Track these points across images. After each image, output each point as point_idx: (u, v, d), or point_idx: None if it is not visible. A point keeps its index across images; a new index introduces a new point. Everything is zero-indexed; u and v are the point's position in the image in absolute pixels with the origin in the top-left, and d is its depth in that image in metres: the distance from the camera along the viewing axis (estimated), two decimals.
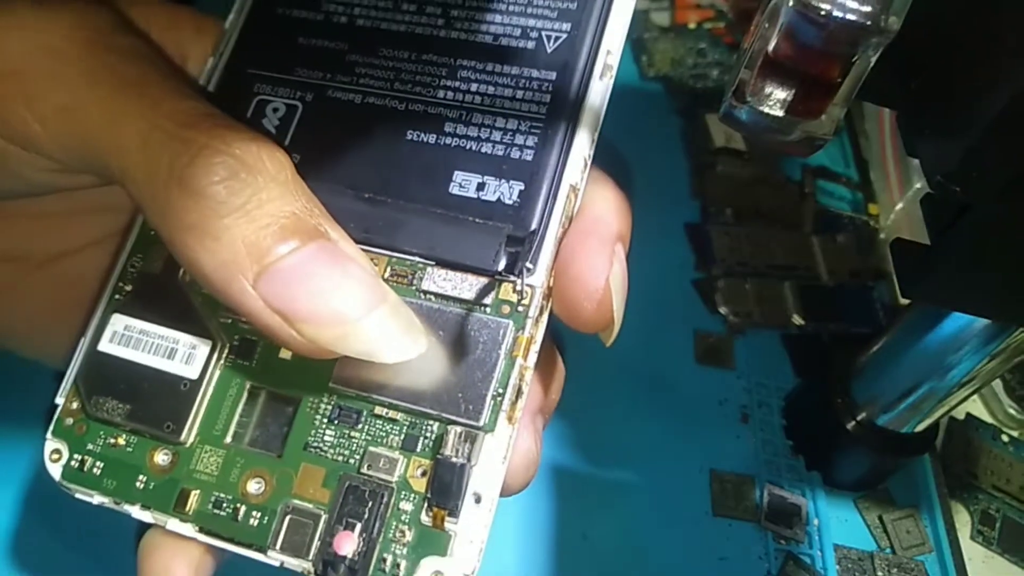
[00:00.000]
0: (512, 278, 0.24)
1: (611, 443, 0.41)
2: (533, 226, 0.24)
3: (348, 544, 0.23)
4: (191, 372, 0.25)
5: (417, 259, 0.25)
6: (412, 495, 0.23)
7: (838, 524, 0.41)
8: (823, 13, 0.20)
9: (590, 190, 0.26)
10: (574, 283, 0.24)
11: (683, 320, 0.47)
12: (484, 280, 0.24)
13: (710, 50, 0.60)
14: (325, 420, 0.24)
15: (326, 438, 0.24)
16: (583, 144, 0.25)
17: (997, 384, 0.48)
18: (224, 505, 0.24)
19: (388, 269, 0.25)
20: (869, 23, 0.20)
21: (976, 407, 0.48)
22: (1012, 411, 0.47)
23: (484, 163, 0.25)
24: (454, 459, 0.23)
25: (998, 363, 0.35)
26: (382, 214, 0.25)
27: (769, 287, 0.49)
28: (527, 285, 0.24)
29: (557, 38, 0.26)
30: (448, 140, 0.26)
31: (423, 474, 0.23)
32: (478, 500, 0.23)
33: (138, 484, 0.25)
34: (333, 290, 0.22)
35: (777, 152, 0.54)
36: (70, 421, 0.26)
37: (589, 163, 0.25)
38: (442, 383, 0.23)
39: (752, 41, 0.22)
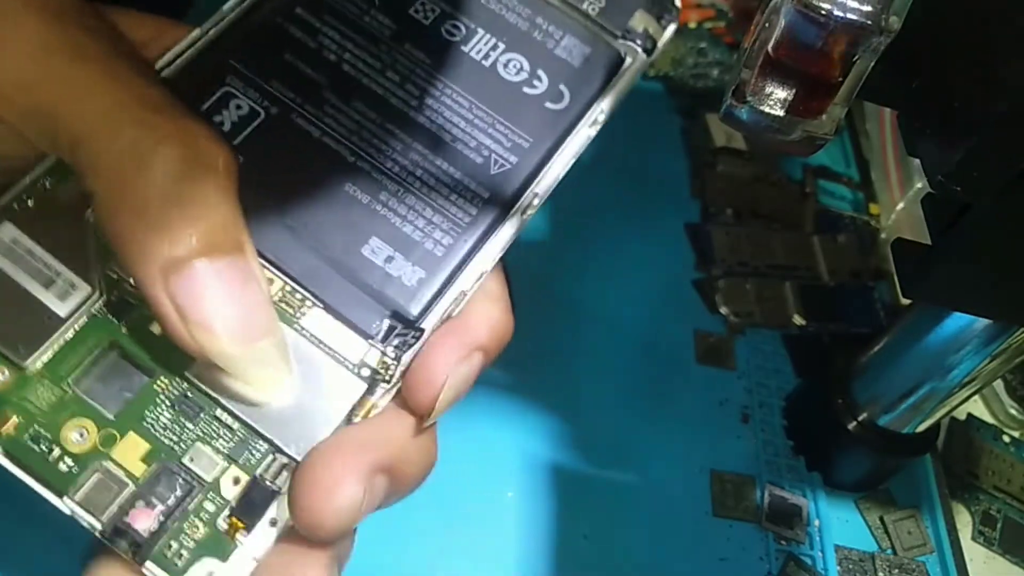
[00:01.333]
0: (382, 348, 0.26)
1: (612, 443, 0.41)
2: (418, 311, 0.26)
3: (144, 521, 0.23)
4: (61, 309, 0.25)
5: (309, 296, 0.26)
6: (218, 499, 0.24)
7: (839, 525, 0.41)
8: (824, 13, 0.20)
9: (485, 305, 0.27)
10: (419, 367, 0.25)
11: (683, 320, 0.47)
12: (359, 339, 0.26)
13: (711, 49, 0.60)
14: (167, 402, 0.25)
15: (162, 419, 0.25)
16: (485, 260, 0.27)
17: (998, 384, 0.48)
18: (41, 442, 0.24)
19: (280, 293, 0.26)
20: (870, 23, 0.20)
21: (977, 407, 0.48)
22: (1013, 411, 0.47)
23: (400, 241, 0.27)
24: (269, 483, 0.24)
25: (999, 363, 0.35)
26: (295, 245, 0.26)
27: (770, 287, 0.49)
28: (392, 360, 0.25)
29: (502, 165, 0.29)
30: (378, 207, 0.27)
31: (235, 483, 0.24)
32: (273, 524, 0.24)
33: None
34: (233, 307, 0.22)
35: (778, 152, 0.54)
36: None
37: (485, 276, 0.27)
38: (286, 413, 0.25)
39: (753, 40, 0.22)
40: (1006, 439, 0.46)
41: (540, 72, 0.30)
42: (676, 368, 0.45)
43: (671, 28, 0.34)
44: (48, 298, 0.25)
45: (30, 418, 0.24)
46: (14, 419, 0.24)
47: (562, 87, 0.30)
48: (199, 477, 0.24)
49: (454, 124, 0.29)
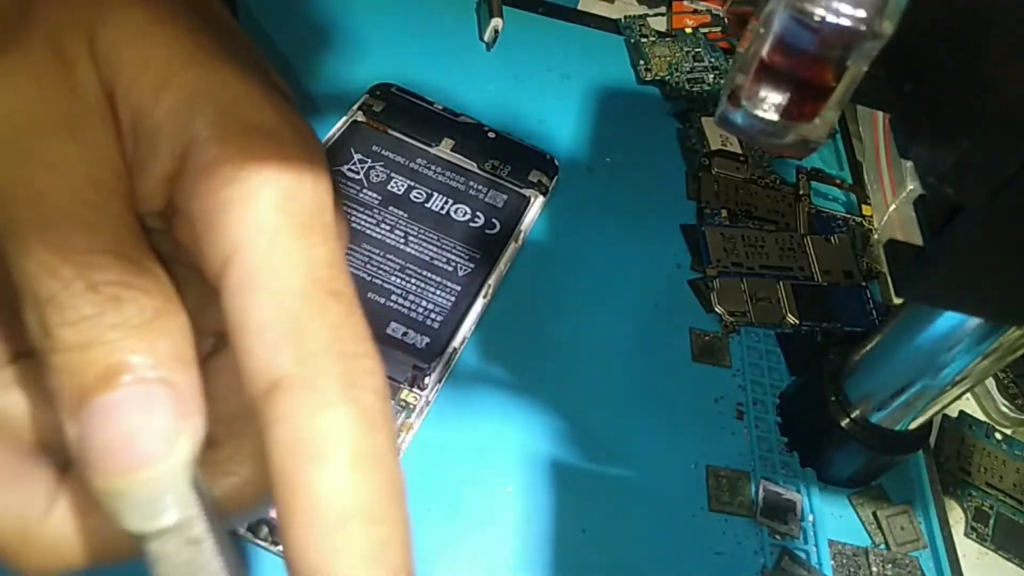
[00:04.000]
0: (410, 389, 0.40)
1: (609, 440, 0.42)
2: (428, 363, 0.41)
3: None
4: None
5: None
6: None
7: (833, 520, 0.42)
8: (817, 18, 0.20)
9: None
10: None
11: (679, 319, 0.48)
12: (396, 384, 0.40)
13: (706, 54, 0.60)
14: None
15: None
16: (466, 327, 0.43)
17: (990, 382, 0.48)
18: None
19: None
20: (863, 28, 0.20)
21: (969, 405, 0.48)
22: (1005, 409, 0.47)
23: (410, 322, 0.42)
24: None
25: (991, 362, 0.35)
26: None
27: (764, 287, 0.49)
28: (419, 394, 0.40)
29: (465, 269, 0.45)
30: (392, 304, 0.43)
31: None
32: None
33: None
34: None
35: (772, 155, 0.54)
36: None
37: (467, 340, 0.44)
38: None
39: (747, 46, 0.22)
40: (998, 436, 0.47)
41: (479, 213, 0.48)
42: (672, 366, 0.46)
43: (556, 178, 0.51)
44: None
45: None
46: None
47: (493, 220, 0.48)
48: None
49: (430, 249, 0.45)
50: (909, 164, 0.51)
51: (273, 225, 0.19)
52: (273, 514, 0.28)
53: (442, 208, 0.47)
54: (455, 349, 0.42)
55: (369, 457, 0.18)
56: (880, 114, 0.55)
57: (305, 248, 0.19)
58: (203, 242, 0.19)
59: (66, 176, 0.18)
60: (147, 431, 0.17)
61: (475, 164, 0.50)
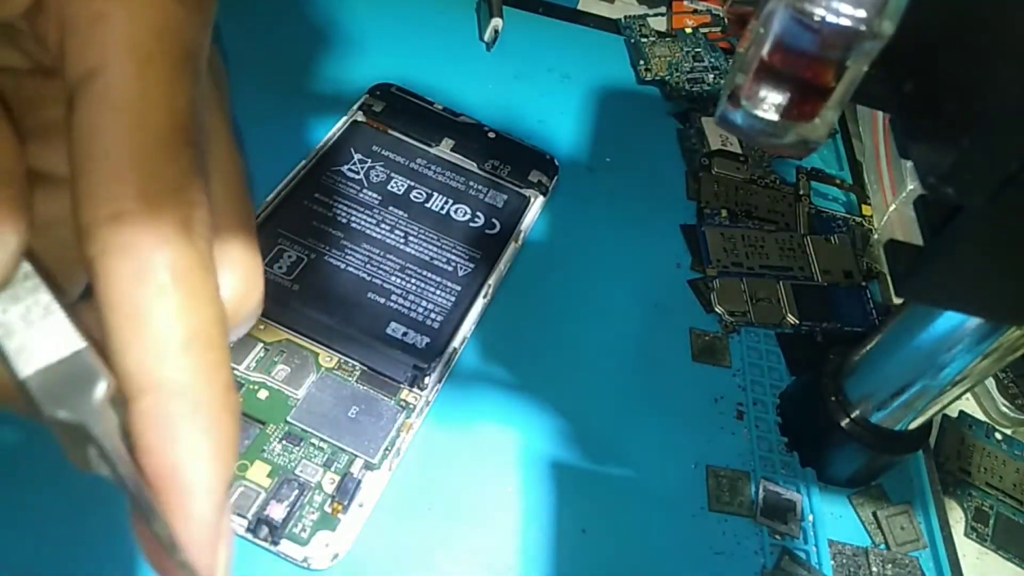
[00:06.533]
0: (410, 388, 0.40)
1: (609, 440, 0.42)
2: (428, 363, 0.41)
3: (277, 512, 0.35)
4: None
5: (359, 364, 0.40)
6: (322, 493, 0.37)
7: (833, 520, 0.42)
8: (817, 18, 0.20)
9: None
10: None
11: (679, 319, 0.48)
12: (396, 384, 0.40)
13: (706, 54, 0.61)
14: (277, 439, 0.37)
15: (275, 450, 0.37)
16: (466, 326, 0.43)
17: (990, 382, 0.48)
18: None
19: (339, 365, 0.40)
20: (863, 28, 0.20)
21: (969, 405, 0.48)
22: (1005, 409, 0.47)
23: (410, 322, 0.42)
24: (356, 476, 0.37)
25: (991, 362, 0.35)
26: (343, 333, 0.41)
27: (764, 287, 0.49)
28: (419, 394, 0.40)
29: (465, 269, 0.45)
30: (392, 304, 0.43)
31: (332, 483, 0.37)
32: (360, 505, 0.37)
33: None
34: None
35: (772, 155, 0.54)
36: None
37: (467, 339, 0.44)
38: (358, 433, 0.38)
39: (747, 46, 0.22)
40: (998, 436, 0.47)
41: (479, 213, 0.48)
42: (672, 366, 0.46)
43: (556, 178, 0.51)
44: None
45: None
46: None
47: (493, 220, 0.48)
48: (308, 481, 0.37)
49: (430, 249, 0.45)
50: (909, 164, 0.51)
51: (148, 52, 0.18)
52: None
53: (442, 208, 0.47)
54: (455, 349, 0.42)
55: (200, 297, 0.18)
56: (880, 114, 0.55)
57: (175, 86, 0.18)
58: (67, 47, 0.18)
59: None
60: None
61: (475, 164, 0.50)
